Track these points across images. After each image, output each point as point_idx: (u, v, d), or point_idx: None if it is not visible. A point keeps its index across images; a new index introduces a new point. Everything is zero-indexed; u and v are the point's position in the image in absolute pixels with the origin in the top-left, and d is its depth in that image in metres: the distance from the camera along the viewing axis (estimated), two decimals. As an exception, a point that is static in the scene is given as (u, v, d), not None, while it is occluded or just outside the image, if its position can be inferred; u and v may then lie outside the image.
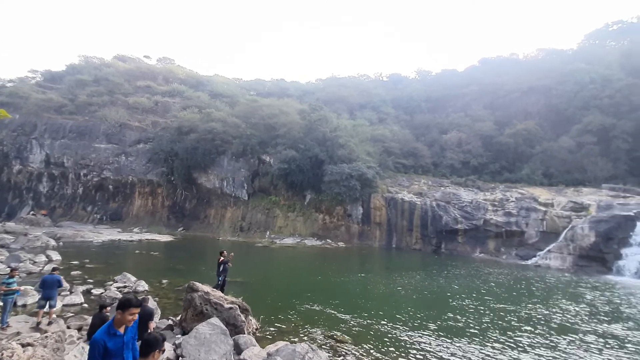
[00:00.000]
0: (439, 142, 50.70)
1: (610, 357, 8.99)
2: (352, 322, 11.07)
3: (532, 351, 9.17)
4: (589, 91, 45.73)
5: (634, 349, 9.67)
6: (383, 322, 11.12)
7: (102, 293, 12.88)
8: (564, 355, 9.00)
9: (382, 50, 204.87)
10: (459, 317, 12.07)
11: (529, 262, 29.31)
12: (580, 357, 8.89)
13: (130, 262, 22.70)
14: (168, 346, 6.99)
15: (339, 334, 9.85)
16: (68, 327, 8.85)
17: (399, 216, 37.60)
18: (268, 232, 40.57)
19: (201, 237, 40.08)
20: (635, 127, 39.36)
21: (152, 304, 9.32)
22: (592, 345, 9.73)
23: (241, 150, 45.23)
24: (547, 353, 9.08)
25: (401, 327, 10.70)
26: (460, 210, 35.08)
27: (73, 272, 16.33)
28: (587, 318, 12.58)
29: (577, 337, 10.44)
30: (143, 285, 14.21)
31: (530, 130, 45.55)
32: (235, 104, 54.54)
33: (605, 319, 12.61)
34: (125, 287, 14.07)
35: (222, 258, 12.30)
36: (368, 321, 11.22)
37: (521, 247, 31.62)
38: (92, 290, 13.34)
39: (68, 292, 12.49)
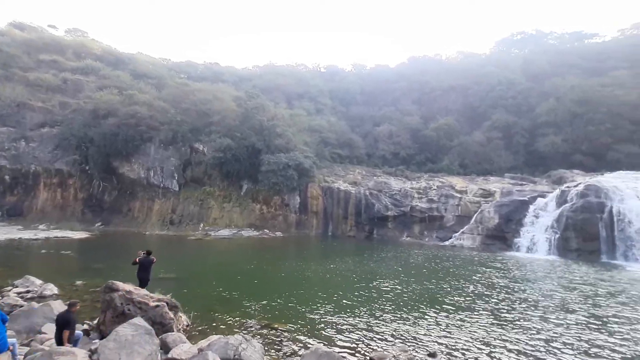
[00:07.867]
0: (373, 134, 53.39)
1: (475, 326, 10.63)
2: (286, 310, 11.32)
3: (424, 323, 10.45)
4: (497, 92, 52.25)
5: (497, 319, 11.58)
6: (316, 307, 11.58)
7: (-3, 301, 11.09)
8: (442, 325, 10.44)
9: (320, 40, 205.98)
10: (376, 297, 13.19)
11: (447, 242, 32.89)
12: (447, 325, 10.36)
13: (35, 263, 19.87)
14: (82, 353, 6.37)
15: (273, 322, 10.01)
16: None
17: (335, 205, 38.94)
18: (202, 225, 38.72)
19: (124, 232, 36.61)
20: (532, 125, 46.32)
21: (64, 308, 8.30)
22: (464, 317, 11.35)
23: (170, 138, 41.93)
24: (426, 324, 10.43)
25: (332, 311, 11.27)
26: (391, 198, 37.68)
27: (-43, 280, 13.74)
28: (470, 291, 14.41)
29: (452, 308, 12.07)
30: (51, 289, 12.58)
31: (450, 125, 50.48)
32: (162, 86, 50.03)
33: (485, 291, 14.50)
34: (28, 292, 12.29)
35: (154, 259, 11.23)
36: (301, 307, 11.58)
37: (441, 230, 35.24)
38: (-16, 299, 11.39)
39: (-50, 304, 10.48)
